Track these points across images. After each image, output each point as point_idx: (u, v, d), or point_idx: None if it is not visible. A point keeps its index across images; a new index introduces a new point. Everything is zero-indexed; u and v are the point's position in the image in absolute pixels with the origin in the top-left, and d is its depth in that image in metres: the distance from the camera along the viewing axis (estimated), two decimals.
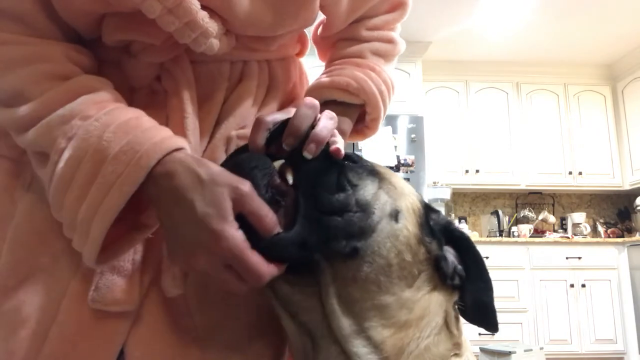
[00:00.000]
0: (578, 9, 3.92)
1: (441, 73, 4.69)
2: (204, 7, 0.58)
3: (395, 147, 3.95)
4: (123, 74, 0.65)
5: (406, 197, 0.58)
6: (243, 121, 0.69)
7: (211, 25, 0.59)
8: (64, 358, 0.57)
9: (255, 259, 0.49)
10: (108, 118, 0.54)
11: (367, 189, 0.56)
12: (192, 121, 0.63)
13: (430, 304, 0.55)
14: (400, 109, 4.10)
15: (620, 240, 4.29)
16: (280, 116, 0.59)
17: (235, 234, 0.49)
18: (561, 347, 3.95)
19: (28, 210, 0.62)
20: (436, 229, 0.58)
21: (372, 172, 0.58)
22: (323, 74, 0.76)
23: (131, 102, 0.64)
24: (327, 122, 0.57)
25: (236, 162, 0.55)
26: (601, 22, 4.10)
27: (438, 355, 0.54)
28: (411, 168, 3.94)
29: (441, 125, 4.58)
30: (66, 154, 0.53)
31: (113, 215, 0.51)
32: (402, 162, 3.94)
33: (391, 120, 3.96)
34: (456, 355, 0.56)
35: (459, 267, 0.58)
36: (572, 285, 4.06)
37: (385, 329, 0.52)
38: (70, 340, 0.58)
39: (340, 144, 0.58)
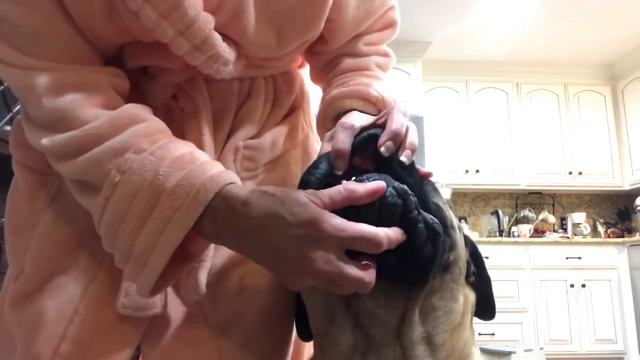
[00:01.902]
0: (578, 9, 3.92)
1: (441, 73, 4.69)
2: (221, 35, 0.60)
3: None
4: (140, 93, 0.67)
5: (448, 208, 0.60)
6: (251, 132, 0.72)
7: (230, 54, 0.62)
8: (80, 357, 0.59)
9: (366, 227, 0.47)
10: (162, 152, 0.54)
11: (440, 202, 0.57)
12: (208, 139, 0.65)
13: (467, 303, 0.59)
14: None
15: (620, 240, 4.29)
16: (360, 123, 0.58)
17: (330, 214, 0.47)
18: (561, 347, 3.95)
19: (52, 222, 0.63)
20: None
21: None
22: (336, 85, 0.76)
23: None
24: (413, 131, 0.57)
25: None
26: (601, 22, 4.10)
27: (469, 346, 0.59)
28: None
29: (441, 125, 4.58)
30: (121, 188, 0.53)
31: (172, 249, 0.52)
32: None
33: None
34: (474, 344, 0.61)
35: (472, 267, 0.62)
36: (572, 285, 4.06)
37: (445, 332, 0.55)
38: (86, 340, 0.59)
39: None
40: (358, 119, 0.61)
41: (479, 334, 3.79)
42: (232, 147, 0.69)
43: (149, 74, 0.66)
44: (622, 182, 4.66)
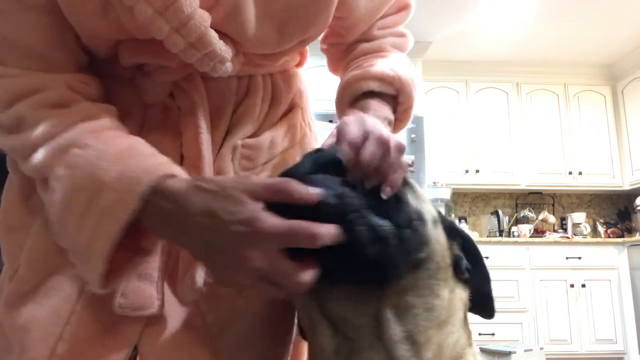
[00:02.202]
0: (578, 9, 3.92)
1: (441, 73, 4.69)
2: (218, 33, 0.60)
3: None
4: (137, 90, 0.67)
5: (428, 202, 0.60)
6: (249, 131, 0.72)
7: (227, 52, 0.61)
8: (77, 358, 0.58)
9: (302, 222, 0.46)
10: (104, 147, 0.55)
11: (412, 197, 0.57)
12: (205, 137, 0.65)
13: (455, 300, 0.58)
14: None
15: (620, 240, 4.29)
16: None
17: (266, 213, 0.47)
18: (561, 347, 3.95)
19: (47, 221, 0.63)
20: (450, 230, 0.61)
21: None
22: (352, 68, 0.76)
23: (144, 118, 0.66)
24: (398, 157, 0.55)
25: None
26: (601, 22, 4.10)
27: (463, 346, 0.58)
28: (411, 168, 3.93)
29: (441, 125, 4.57)
30: (65, 183, 0.54)
31: (110, 242, 0.52)
32: None
33: None
34: (470, 345, 0.60)
35: (466, 262, 0.61)
36: (572, 285, 4.06)
37: (429, 329, 0.54)
38: (83, 340, 0.59)
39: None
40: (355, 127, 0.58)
41: (479, 334, 3.79)
42: (230, 145, 0.69)
43: (145, 72, 0.66)
44: (622, 182, 4.66)
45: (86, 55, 0.64)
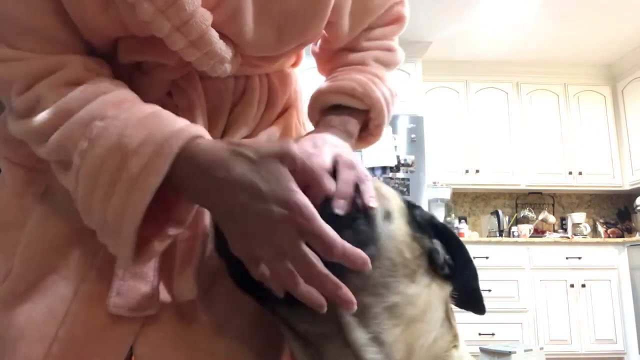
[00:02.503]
0: (578, 9, 3.92)
1: (441, 73, 4.69)
2: (218, 34, 0.60)
3: (395, 147, 3.95)
4: (135, 87, 0.66)
5: (389, 198, 0.59)
6: (245, 131, 0.72)
7: (226, 52, 0.61)
8: (72, 358, 0.58)
9: (327, 227, 0.48)
10: (127, 115, 0.54)
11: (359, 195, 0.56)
12: None
13: (431, 297, 0.56)
14: (400, 109, 4.09)
15: (620, 240, 4.29)
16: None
17: (305, 200, 0.48)
18: (561, 347, 3.95)
19: (41, 220, 0.63)
20: (423, 223, 0.59)
21: None
22: (328, 79, 0.77)
23: None
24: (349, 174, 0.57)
25: None
26: (601, 22, 4.10)
27: (444, 347, 0.56)
28: (411, 168, 3.94)
29: (441, 125, 4.57)
30: (89, 156, 0.52)
31: (142, 210, 0.51)
32: (402, 162, 3.94)
33: (391, 120, 3.93)
34: (455, 347, 0.57)
35: (447, 256, 0.60)
36: (572, 285, 4.06)
37: (395, 328, 0.53)
38: (79, 341, 0.58)
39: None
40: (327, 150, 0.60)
41: (479, 334, 3.79)
42: None
43: (143, 70, 0.66)
44: (622, 182, 4.66)
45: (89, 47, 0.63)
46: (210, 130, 0.67)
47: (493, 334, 3.85)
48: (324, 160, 0.57)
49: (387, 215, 0.56)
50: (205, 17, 0.57)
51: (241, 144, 0.52)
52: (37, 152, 0.58)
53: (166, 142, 0.51)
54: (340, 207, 0.53)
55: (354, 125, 0.73)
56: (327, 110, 0.74)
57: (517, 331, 3.95)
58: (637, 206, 4.44)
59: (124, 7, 0.55)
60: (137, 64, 0.65)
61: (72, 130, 0.54)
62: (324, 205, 0.52)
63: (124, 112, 0.54)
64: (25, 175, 0.65)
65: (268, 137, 0.74)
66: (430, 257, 0.58)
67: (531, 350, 3.22)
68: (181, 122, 0.55)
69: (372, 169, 3.86)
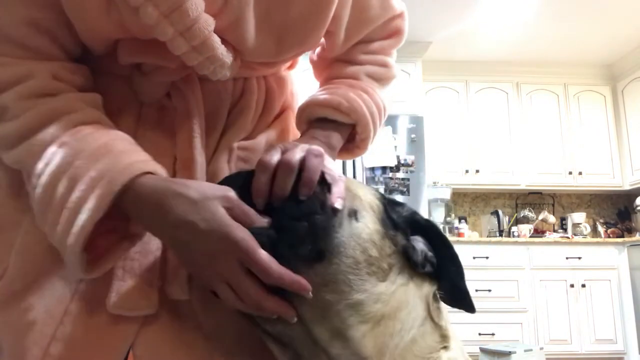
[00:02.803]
0: (578, 9, 3.92)
1: (441, 73, 4.69)
2: (220, 39, 0.60)
3: (395, 147, 3.95)
4: (133, 88, 0.67)
5: (361, 197, 0.59)
6: (244, 133, 0.72)
7: (227, 57, 0.62)
8: (71, 358, 0.58)
9: (266, 255, 0.51)
10: (81, 145, 0.55)
11: (325, 194, 0.56)
12: (199, 141, 0.66)
13: (407, 295, 0.55)
14: (400, 109, 4.10)
15: (620, 240, 4.29)
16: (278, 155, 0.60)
17: (244, 234, 0.51)
18: (561, 347, 3.95)
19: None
20: (400, 221, 0.59)
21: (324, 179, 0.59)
22: (318, 92, 0.77)
23: (139, 117, 0.67)
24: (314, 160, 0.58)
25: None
26: (601, 22, 4.10)
27: (426, 348, 0.55)
28: (411, 168, 3.94)
29: (441, 125, 4.57)
30: (43, 180, 0.55)
31: (83, 238, 0.53)
32: (402, 162, 3.94)
33: (391, 120, 3.96)
34: (445, 348, 0.56)
35: (430, 254, 0.59)
36: (572, 285, 4.06)
37: (362, 324, 0.53)
38: (78, 341, 0.58)
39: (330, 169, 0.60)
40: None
41: (479, 334, 3.79)
42: (225, 147, 0.70)
43: (143, 71, 0.66)
44: (622, 182, 4.66)
45: (78, 49, 0.64)
46: (208, 133, 0.68)
47: (493, 334, 3.85)
48: (293, 154, 0.58)
49: (353, 214, 0.56)
50: (209, 22, 0.57)
51: (187, 184, 0.54)
52: (2, 156, 0.60)
53: (111, 178, 0.53)
54: (304, 194, 0.55)
55: (337, 139, 0.74)
56: (314, 122, 0.75)
57: (517, 331, 3.95)
58: (637, 206, 4.44)
59: (127, 10, 0.55)
60: (136, 65, 0.66)
61: (30, 150, 0.56)
62: (287, 198, 0.55)
63: (78, 141, 0.56)
64: (20, 176, 0.65)
65: (267, 140, 0.75)
66: (407, 255, 0.57)
67: (531, 350, 3.22)
68: (133, 157, 0.56)
69: (372, 169, 3.86)
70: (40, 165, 0.55)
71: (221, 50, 0.60)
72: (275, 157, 0.58)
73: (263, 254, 0.50)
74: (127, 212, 0.55)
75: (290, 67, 0.85)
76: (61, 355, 0.58)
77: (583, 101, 4.77)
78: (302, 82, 0.88)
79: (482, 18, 4.07)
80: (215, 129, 0.70)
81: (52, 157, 0.55)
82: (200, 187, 0.54)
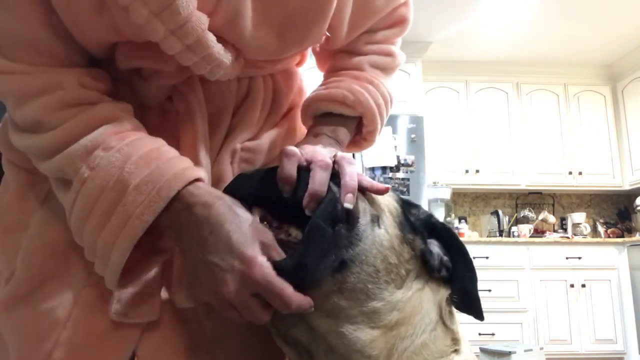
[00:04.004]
0: (578, 9, 3.92)
1: (441, 73, 4.69)
2: (218, 39, 0.59)
3: (395, 147, 3.95)
4: (134, 92, 0.66)
5: (380, 200, 0.58)
6: (249, 134, 0.71)
7: (225, 57, 0.60)
8: None
9: (286, 286, 0.49)
10: (130, 149, 0.55)
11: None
12: (203, 144, 0.65)
13: (421, 301, 0.54)
14: (400, 109, 4.10)
15: (620, 240, 4.29)
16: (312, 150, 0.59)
17: (266, 263, 0.50)
18: (561, 347, 3.95)
19: (43, 223, 0.63)
20: (417, 224, 0.58)
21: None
22: (321, 85, 0.76)
23: (142, 121, 0.65)
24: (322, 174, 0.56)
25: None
26: (601, 22, 4.10)
27: (437, 352, 0.54)
28: (411, 168, 3.94)
29: (441, 125, 4.57)
30: (89, 184, 0.54)
31: (132, 243, 0.53)
32: (402, 162, 3.94)
33: (391, 120, 3.96)
34: (456, 351, 0.55)
35: (445, 258, 0.58)
36: (572, 285, 4.05)
37: (373, 330, 0.52)
38: (80, 346, 0.58)
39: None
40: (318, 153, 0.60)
41: (479, 334, 3.79)
42: (229, 149, 0.69)
43: (143, 76, 0.65)
44: (622, 182, 4.66)
45: (90, 54, 0.63)
46: (211, 135, 0.67)
47: (493, 334, 3.85)
48: (324, 156, 0.57)
49: (375, 219, 0.55)
50: (202, 20, 0.55)
51: (236, 210, 0.53)
52: (36, 165, 0.59)
53: (166, 183, 0.53)
54: (349, 201, 0.53)
55: (344, 133, 0.73)
56: (319, 117, 0.74)
57: (517, 331, 3.95)
58: (637, 206, 4.44)
59: (118, 10, 0.54)
60: (136, 69, 0.65)
61: (74, 156, 0.55)
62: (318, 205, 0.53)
63: (126, 146, 0.55)
64: (27, 179, 0.65)
65: (272, 139, 0.74)
66: (424, 259, 0.56)
67: (531, 350, 3.22)
68: (182, 164, 0.56)
69: (372, 169, 3.86)
70: (85, 170, 0.55)
71: (217, 49, 0.59)
72: (297, 150, 0.57)
73: (283, 284, 0.49)
74: (165, 221, 0.54)
75: (299, 63, 0.83)
76: (62, 358, 0.58)
77: (583, 101, 4.77)
78: (307, 80, 0.86)
79: (482, 18, 4.07)
80: (219, 131, 0.69)
81: (100, 161, 0.54)
82: (246, 210, 0.53)
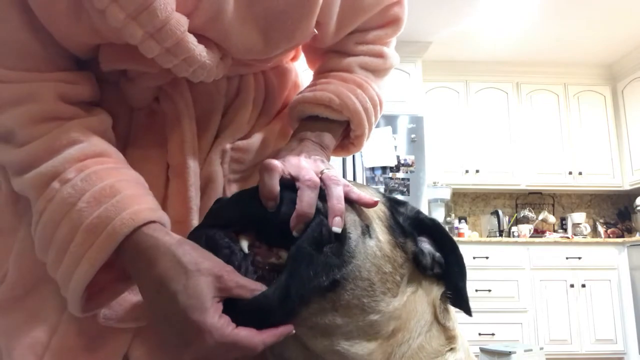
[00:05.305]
0: (578, 9, 3.92)
1: (441, 73, 4.69)
2: (201, 38, 0.58)
3: (395, 147, 3.95)
4: (122, 93, 0.65)
5: (369, 209, 0.56)
6: (240, 133, 0.70)
7: (208, 58, 0.59)
8: None
9: (244, 334, 0.48)
10: (84, 185, 0.54)
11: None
12: (190, 146, 0.64)
13: (416, 303, 0.54)
14: (400, 109, 4.10)
15: (620, 240, 4.29)
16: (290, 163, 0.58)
17: (216, 324, 0.47)
18: (561, 347, 3.95)
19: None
20: (407, 224, 0.57)
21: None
22: (308, 87, 0.74)
23: (130, 122, 0.65)
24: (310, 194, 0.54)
25: (210, 239, 0.53)
26: (601, 22, 4.10)
27: (432, 352, 0.53)
28: (411, 168, 3.94)
29: (441, 125, 4.57)
30: (45, 217, 0.54)
31: (84, 283, 0.52)
32: (402, 162, 3.93)
33: (391, 120, 3.96)
34: (452, 349, 0.54)
35: (437, 254, 0.57)
36: (572, 285, 4.05)
37: (370, 342, 0.51)
38: (71, 350, 0.58)
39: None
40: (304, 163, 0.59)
41: (479, 334, 3.79)
42: (218, 150, 0.67)
43: (129, 77, 0.64)
44: (622, 182, 4.66)
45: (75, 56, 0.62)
46: (201, 136, 0.66)
47: (493, 334, 3.85)
48: (310, 174, 0.56)
49: (365, 230, 0.53)
50: (181, 22, 0.54)
51: (187, 250, 0.51)
52: (10, 179, 0.59)
53: (112, 228, 0.52)
54: (337, 225, 0.51)
55: (329, 138, 0.71)
56: (305, 120, 0.71)
57: (517, 331, 3.95)
58: (637, 206, 4.44)
59: (95, 13, 0.52)
60: (122, 70, 0.64)
61: (33, 183, 0.55)
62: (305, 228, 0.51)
63: (81, 181, 0.54)
64: None
65: (264, 137, 0.72)
66: (416, 260, 0.55)
67: (531, 350, 3.22)
68: (135, 205, 0.54)
69: (372, 169, 3.86)
70: (41, 201, 0.54)
71: (199, 50, 0.57)
72: (278, 163, 0.55)
73: (240, 335, 0.47)
74: (121, 262, 0.54)
75: (294, 58, 0.80)
76: None
77: (583, 101, 4.77)
78: (307, 80, 0.84)
79: (482, 18, 4.07)
80: (208, 132, 0.67)
81: (55, 194, 0.54)
82: (198, 258, 0.50)
